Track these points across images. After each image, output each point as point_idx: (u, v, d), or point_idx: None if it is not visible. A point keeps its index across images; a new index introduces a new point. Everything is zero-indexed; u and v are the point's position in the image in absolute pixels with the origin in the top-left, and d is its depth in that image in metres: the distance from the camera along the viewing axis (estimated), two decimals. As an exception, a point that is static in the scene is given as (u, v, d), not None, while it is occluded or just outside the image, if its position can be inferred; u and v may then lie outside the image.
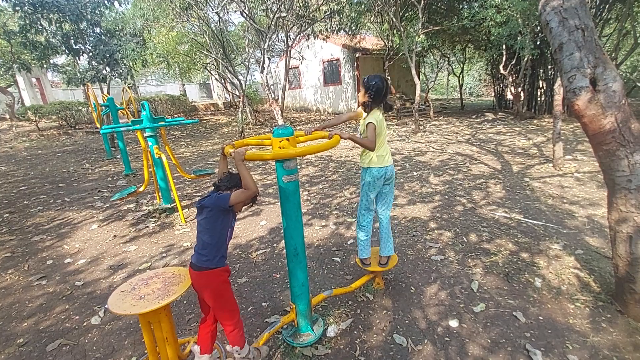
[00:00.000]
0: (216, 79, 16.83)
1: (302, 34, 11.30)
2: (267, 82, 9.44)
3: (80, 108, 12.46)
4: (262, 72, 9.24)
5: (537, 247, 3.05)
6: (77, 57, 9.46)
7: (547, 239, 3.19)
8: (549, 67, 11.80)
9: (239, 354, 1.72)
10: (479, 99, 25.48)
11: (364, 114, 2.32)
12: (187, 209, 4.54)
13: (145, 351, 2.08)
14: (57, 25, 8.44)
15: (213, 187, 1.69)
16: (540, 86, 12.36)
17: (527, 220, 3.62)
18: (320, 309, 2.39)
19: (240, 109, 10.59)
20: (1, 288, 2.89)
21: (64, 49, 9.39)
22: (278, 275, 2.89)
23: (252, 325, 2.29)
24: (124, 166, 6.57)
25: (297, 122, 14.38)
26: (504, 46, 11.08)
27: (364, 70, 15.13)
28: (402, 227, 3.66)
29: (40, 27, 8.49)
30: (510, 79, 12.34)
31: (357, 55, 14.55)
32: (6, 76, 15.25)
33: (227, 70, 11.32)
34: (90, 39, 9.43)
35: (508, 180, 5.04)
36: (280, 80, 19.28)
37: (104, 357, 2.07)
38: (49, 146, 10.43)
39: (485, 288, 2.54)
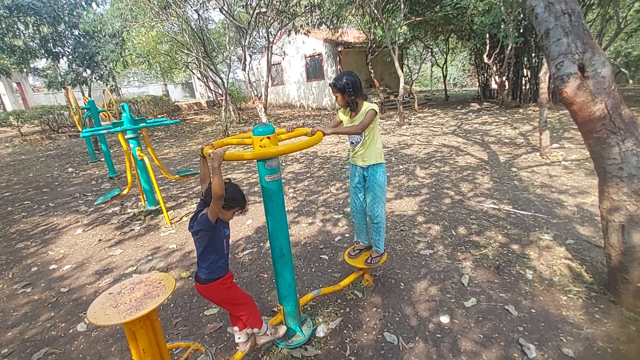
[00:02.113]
0: (198, 78, 16.61)
1: (283, 30, 11.21)
2: (249, 80, 9.37)
3: (62, 112, 12.18)
4: (243, 69, 9.17)
5: (527, 238, 3.09)
6: (56, 61, 9.22)
7: (537, 229, 3.24)
8: (533, 55, 11.96)
9: (259, 333, 1.82)
10: (464, 89, 25.75)
11: (345, 117, 2.33)
12: (172, 210, 4.52)
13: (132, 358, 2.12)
14: (35, 28, 8.20)
15: (200, 202, 1.68)
16: (525, 74, 12.53)
17: (516, 211, 3.69)
18: (309, 308, 2.42)
19: (224, 107, 10.51)
20: (-16, 298, 2.87)
21: (43, 52, 9.14)
22: (265, 275, 2.92)
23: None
24: (108, 169, 6.49)
25: (281, 119, 14.32)
26: (487, 35, 11.19)
27: (346, 64, 15.12)
28: (389, 222, 3.72)
29: (17, 30, 8.24)
30: (495, 68, 12.49)
31: (339, 49, 14.53)
32: (-17, 81, 14.76)
33: (208, 69, 11.18)
34: (69, 41, 9.19)
35: (495, 170, 5.14)
36: (263, 77, 19.12)
37: (90, 362, 2.09)
38: (32, 151, 10.20)
39: (476, 282, 2.58)
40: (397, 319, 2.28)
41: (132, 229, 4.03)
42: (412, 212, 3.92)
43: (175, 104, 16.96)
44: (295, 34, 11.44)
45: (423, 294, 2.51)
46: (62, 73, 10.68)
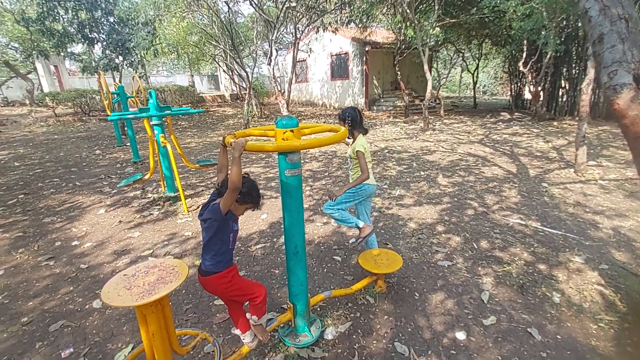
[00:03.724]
0: (224, 71, 16.86)
1: (311, 26, 11.17)
2: (273, 75, 9.40)
3: (94, 96, 12.71)
4: (269, 64, 9.21)
5: (555, 259, 2.93)
6: (92, 46, 9.62)
7: (567, 250, 3.06)
8: (574, 65, 11.33)
9: (254, 322, 1.77)
10: (493, 97, 24.86)
11: (349, 139, 2.61)
12: (190, 199, 4.60)
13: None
14: (73, 13, 8.59)
15: (215, 191, 1.67)
16: (563, 86, 11.89)
17: (544, 228, 3.49)
18: (318, 309, 2.37)
19: (247, 101, 10.61)
20: (11, 266, 3.00)
21: (79, 37, 9.55)
22: (277, 271, 2.90)
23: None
24: (133, 154, 6.70)
25: (303, 116, 14.31)
26: (525, 41, 10.69)
27: (373, 65, 14.88)
28: (407, 229, 3.61)
29: (57, 14, 8.65)
30: (530, 77, 11.94)
31: (366, 48, 14.27)
32: (26, 63, 15.65)
33: (234, 62, 11.31)
34: (104, 27, 9.55)
35: (524, 184, 4.90)
36: (287, 73, 19.18)
37: (102, 342, 2.13)
38: (64, 131, 10.70)
39: (497, 300, 2.45)
40: (410, 329, 2.20)
41: (151, 214, 4.12)
42: (431, 221, 3.79)
43: (200, 95, 17.34)
44: (323, 31, 11.39)
45: (438, 306, 2.41)
46: (96, 58, 11.15)
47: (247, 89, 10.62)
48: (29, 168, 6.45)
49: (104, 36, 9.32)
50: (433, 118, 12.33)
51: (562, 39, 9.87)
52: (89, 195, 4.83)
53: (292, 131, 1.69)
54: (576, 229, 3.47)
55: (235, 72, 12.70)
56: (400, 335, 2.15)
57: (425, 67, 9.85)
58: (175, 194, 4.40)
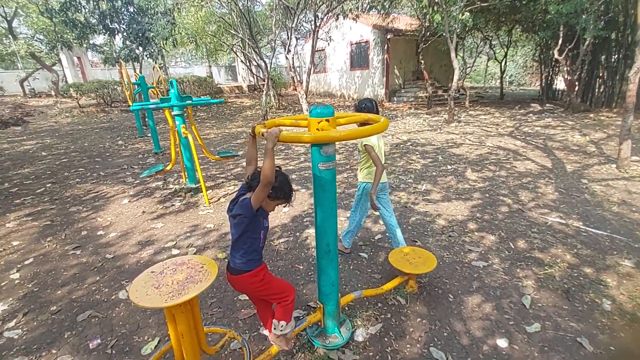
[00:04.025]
0: (242, 61, 16.77)
1: (331, 13, 10.84)
2: (292, 64, 9.22)
3: (115, 87, 12.95)
4: (287, 53, 9.03)
5: (602, 262, 2.70)
6: (112, 37, 9.72)
7: (614, 252, 2.82)
8: (614, 52, 10.51)
9: (281, 330, 1.65)
10: (521, 88, 23.67)
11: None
12: (210, 190, 4.56)
13: (168, 333, 2.11)
14: (94, 3, 8.66)
15: (243, 185, 1.57)
16: (600, 75, 11.07)
17: (587, 229, 3.24)
18: (347, 308, 2.27)
19: (265, 91, 10.50)
20: (40, 254, 3.05)
21: (101, 28, 9.65)
22: (301, 267, 2.81)
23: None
24: (154, 144, 6.75)
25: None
26: (561, 27, 9.97)
27: (394, 53, 14.36)
28: (436, 225, 3.44)
29: (79, 5, 8.75)
30: (565, 66, 11.18)
31: (388, 36, 13.74)
32: (51, 55, 16.10)
33: (253, 52, 11.18)
34: (125, 17, 9.61)
35: (562, 180, 4.59)
36: (306, 63, 18.89)
37: (129, 333, 2.11)
38: (88, 122, 10.98)
39: (540, 305, 2.27)
40: (446, 334, 2.06)
41: (173, 205, 4.11)
42: (462, 218, 3.59)
43: (218, 86, 17.38)
44: (344, 18, 11.03)
45: (476, 310, 2.25)
46: (117, 50, 11.29)
47: (266, 80, 10.49)
48: (55, 158, 6.63)
49: (124, 26, 9.39)
50: (458, 109, 11.85)
51: (602, 25, 9.12)
52: (112, 185, 4.89)
53: (327, 121, 1.55)
54: (623, 229, 3.19)
55: (254, 62, 12.58)
56: (436, 340, 2.01)
57: (452, 55, 9.39)
58: (196, 185, 4.37)
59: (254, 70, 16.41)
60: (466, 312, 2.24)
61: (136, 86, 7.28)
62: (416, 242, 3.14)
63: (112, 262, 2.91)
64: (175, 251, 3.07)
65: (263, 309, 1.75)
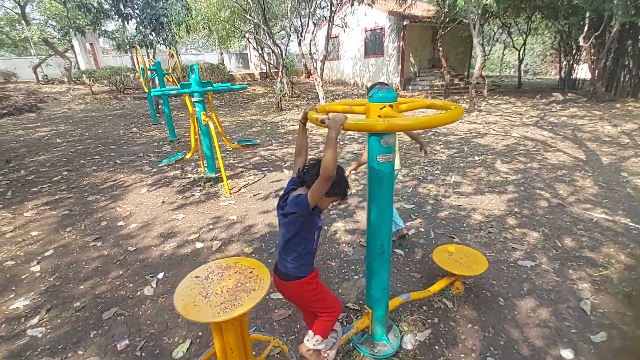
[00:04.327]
0: (254, 48, 16.41)
1: (346, -1, 10.39)
2: (310, 51, 8.89)
3: (128, 74, 12.80)
4: (303, 40, 8.71)
5: None
6: (125, 22, 9.51)
7: None
8: (642, 39, 9.89)
9: (315, 344, 1.46)
10: (537, 77, 22.81)
11: None
12: (230, 180, 4.40)
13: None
14: (108, -13, 8.44)
15: (294, 179, 1.38)
16: (627, 63, 10.47)
17: (637, 225, 2.99)
18: (390, 312, 2.09)
19: (279, 79, 10.20)
20: (60, 246, 2.94)
21: (114, 12, 9.43)
22: (333, 264, 2.63)
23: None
24: (169, 132, 6.60)
25: (335, 96, 13.75)
26: (587, 13, 9.38)
27: (410, 40, 13.86)
28: (472, 220, 3.21)
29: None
30: (590, 54, 10.58)
31: (404, 23, 13.24)
32: (64, 41, 16.00)
33: (268, 37, 10.83)
34: (138, 2, 9.36)
35: (599, 173, 4.29)
36: (319, 50, 18.40)
37: (158, 334, 1.97)
38: (101, 109, 10.90)
39: (602, 311, 2.06)
40: (502, 342, 1.86)
41: (193, 195, 3.96)
42: (499, 212, 3.35)
43: (230, 73, 17.11)
44: (359, 4, 10.57)
45: (531, 316, 2.04)
46: (128, 36, 11.08)
47: (280, 67, 10.18)
48: (70, 145, 6.54)
49: (137, 11, 9.15)
50: (476, 99, 11.40)
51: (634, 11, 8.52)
52: (130, 174, 4.76)
53: (391, 106, 1.33)
54: (681, 229, 2.92)
55: (269, 47, 12.21)
56: (492, 349, 1.82)
57: (475, 41, 8.95)
58: (216, 175, 4.21)
59: (266, 58, 16.05)
60: (521, 317, 2.04)
61: (151, 72, 7.10)
62: (454, 238, 2.92)
63: (135, 255, 2.78)
64: (199, 244, 2.92)
65: (309, 314, 1.57)
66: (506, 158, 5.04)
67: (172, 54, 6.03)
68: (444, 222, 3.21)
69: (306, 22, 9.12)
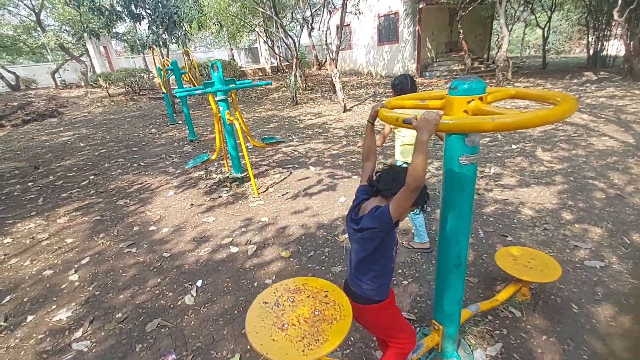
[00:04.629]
0: (264, 41, 16.16)
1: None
2: (325, 40, 8.62)
3: (142, 75, 12.86)
4: (317, 29, 8.44)
5: None
6: (137, 22, 9.48)
7: None
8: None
9: None
10: (562, 56, 21.60)
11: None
12: (256, 179, 4.28)
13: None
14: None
15: (364, 188, 1.22)
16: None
17: None
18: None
19: (293, 72, 9.98)
20: (95, 253, 2.90)
21: (126, 14, 9.42)
22: (376, 263, 2.47)
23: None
24: (189, 132, 6.54)
25: (348, 87, 13.42)
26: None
27: (426, 25, 13.28)
28: (522, 216, 2.97)
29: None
30: (625, 29, 9.82)
31: (420, 6, 12.67)
32: (78, 45, 16.23)
33: (281, 29, 10.57)
34: (150, 2, 9.30)
35: (655, 159, 3.93)
36: (329, 40, 17.93)
37: (205, 347, 1.87)
38: (119, 111, 11.01)
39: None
40: (586, 357, 1.66)
41: (220, 196, 3.87)
42: (551, 206, 3.09)
43: (241, 69, 16.96)
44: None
45: (612, 324, 1.83)
46: (139, 37, 11.08)
47: (294, 59, 9.94)
48: (93, 148, 6.59)
49: (149, 11, 9.10)
50: (503, 82, 10.86)
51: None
52: (155, 176, 4.72)
53: (480, 99, 1.13)
54: None
55: (281, 39, 11.96)
56: (575, 365, 1.63)
57: (502, 20, 8.46)
58: (242, 175, 4.10)
59: (276, 51, 15.79)
60: (601, 327, 1.82)
61: (168, 72, 7.02)
62: (506, 236, 2.70)
63: (171, 262, 2.70)
64: (233, 249, 2.82)
65: (382, 340, 1.43)
66: (546, 145, 4.71)
67: (188, 52, 5.92)
68: (491, 219, 2.99)
69: (318, 11, 8.82)
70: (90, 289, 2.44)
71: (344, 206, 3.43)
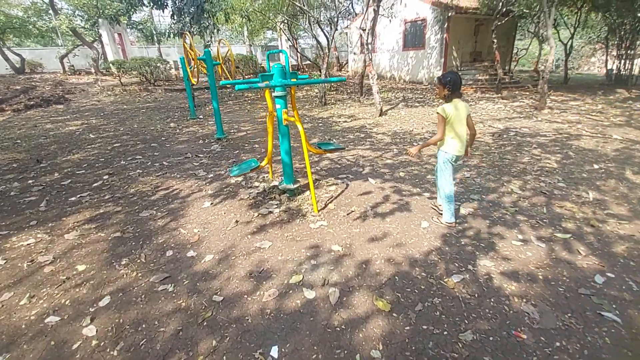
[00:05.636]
0: (287, 39, 15.53)
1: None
2: (367, 40, 7.96)
3: (158, 65, 12.16)
4: (366, 27, 7.78)
5: None
6: (161, 10, 8.79)
7: None
8: None
9: None
10: (577, 72, 21.29)
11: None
12: (307, 192, 3.52)
13: None
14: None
15: None
16: None
17: None
18: None
19: (324, 71, 9.31)
20: (118, 289, 2.14)
21: (149, 0, 8.74)
22: (524, 336, 1.73)
23: None
24: (217, 129, 5.80)
25: (371, 92, 12.78)
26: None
27: (453, 33, 12.87)
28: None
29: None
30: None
31: (449, 14, 12.25)
32: (91, 31, 15.55)
33: (314, 24, 9.89)
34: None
35: None
36: (352, 43, 17.39)
37: None
38: (132, 101, 10.27)
39: None
40: None
41: (271, 212, 3.12)
42: None
43: (261, 65, 16.32)
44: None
45: None
46: (155, 27, 10.39)
47: (324, 58, 9.27)
48: (105, 142, 5.85)
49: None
50: (528, 94, 10.30)
51: None
52: (183, 180, 3.97)
53: None
54: None
55: (313, 36, 11.27)
56: None
57: (549, 32, 7.85)
58: (295, 186, 3.36)
59: (298, 49, 15.15)
60: None
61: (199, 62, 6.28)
62: (690, 301, 1.96)
63: (226, 311, 1.95)
64: (308, 293, 2.07)
65: None
66: (634, 167, 4.02)
67: (225, 43, 5.21)
68: (631, 264, 2.26)
69: (367, 8, 8.20)
70: (115, 354, 1.67)
71: (431, 234, 2.69)
